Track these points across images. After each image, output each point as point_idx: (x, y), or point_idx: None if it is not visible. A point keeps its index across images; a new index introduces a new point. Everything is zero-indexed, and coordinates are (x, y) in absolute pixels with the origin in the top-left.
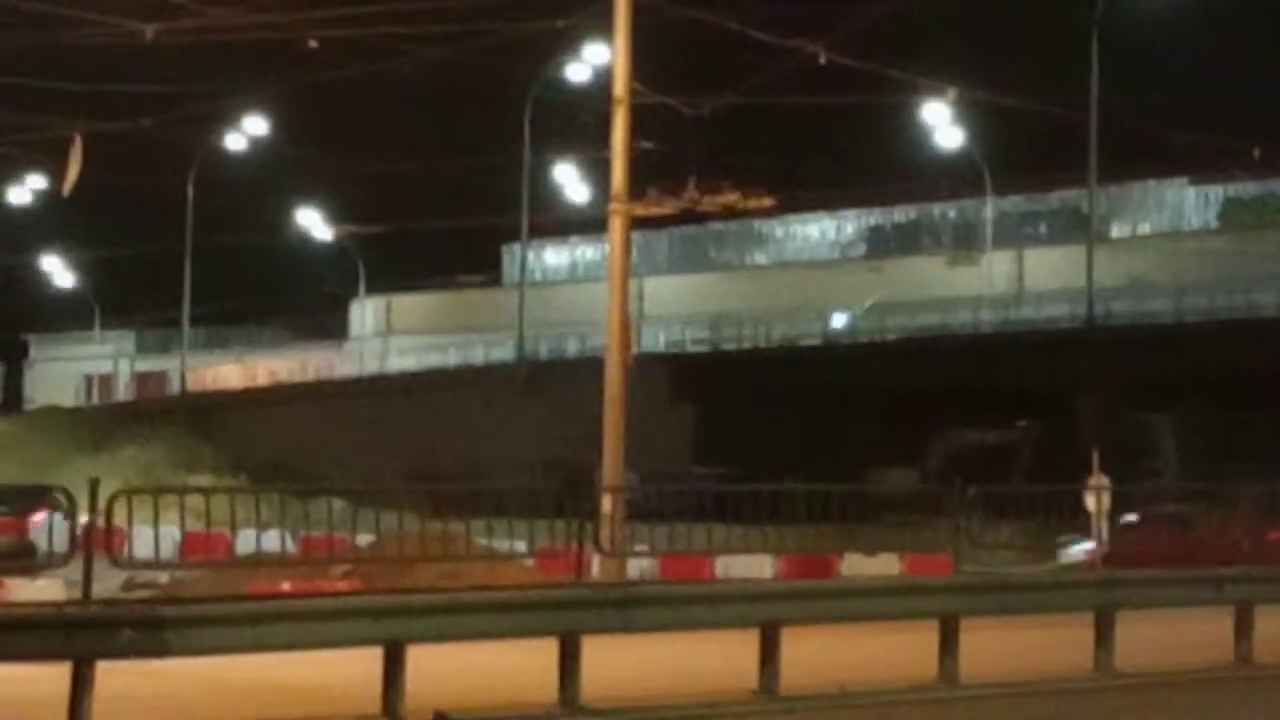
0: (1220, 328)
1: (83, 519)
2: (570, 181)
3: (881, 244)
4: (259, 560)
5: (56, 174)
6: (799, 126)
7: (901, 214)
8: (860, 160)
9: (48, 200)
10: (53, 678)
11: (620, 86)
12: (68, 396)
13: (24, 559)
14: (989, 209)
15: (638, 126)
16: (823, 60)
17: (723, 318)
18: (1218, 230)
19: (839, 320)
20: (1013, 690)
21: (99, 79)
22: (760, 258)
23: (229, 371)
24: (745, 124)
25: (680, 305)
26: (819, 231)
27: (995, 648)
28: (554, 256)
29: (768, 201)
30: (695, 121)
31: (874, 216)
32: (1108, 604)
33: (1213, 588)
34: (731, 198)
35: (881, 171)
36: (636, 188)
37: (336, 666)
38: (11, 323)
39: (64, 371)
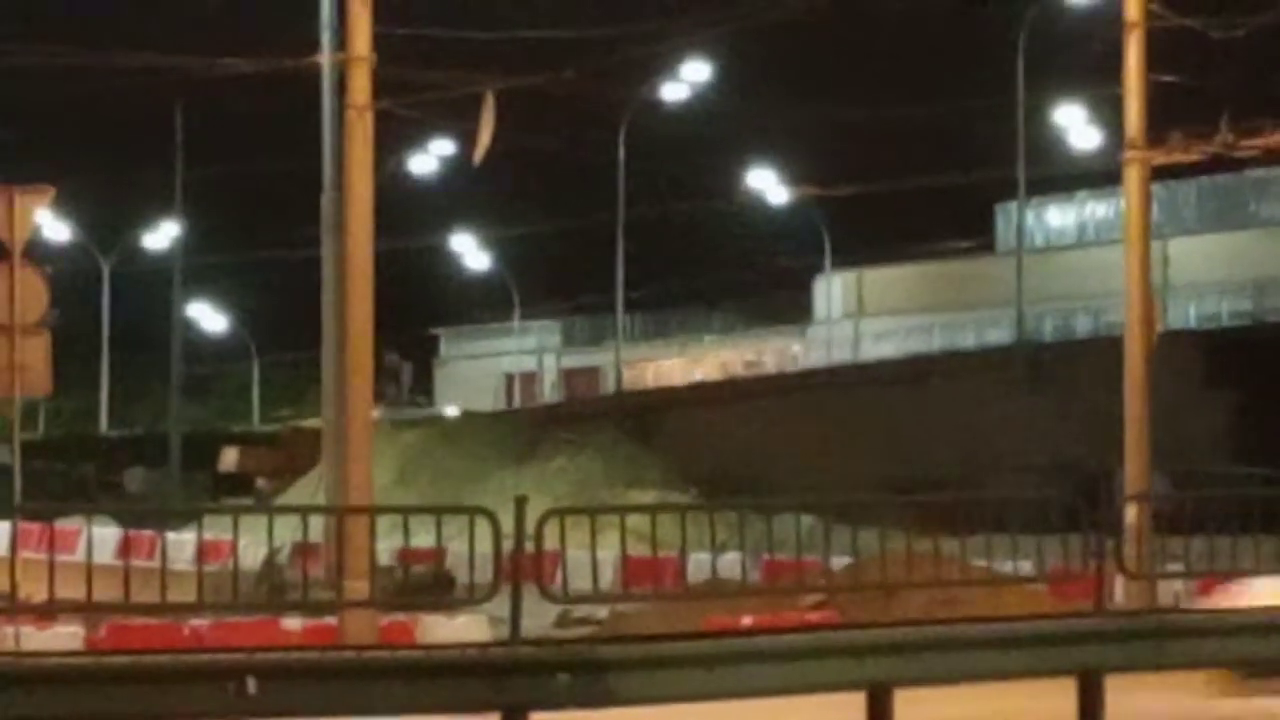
0: None
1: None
2: (1075, 126)
3: None
4: (715, 589)
5: (465, 139)
6: None
7: None
8: None
9: (455, 170)
10: None
11: (1133, 7)
12: (485, 400)
13: (442, 592)
14: None
15: (1157, 56)
16: None
17: (1269, 284)
18: None
19: None
20: None
21: (511, 25)
22: None
23: (672, 366)
24: None
25: (1214, 271)
26: None
27: None
28: (1058, 216)
29: None
30: (1228, 47)
31: None
32: None
33: None
34: (1276, 138)
35: None
36: (1157, 131)
37: (808, 712)
38: (419, 315)
39: (480, 370)
